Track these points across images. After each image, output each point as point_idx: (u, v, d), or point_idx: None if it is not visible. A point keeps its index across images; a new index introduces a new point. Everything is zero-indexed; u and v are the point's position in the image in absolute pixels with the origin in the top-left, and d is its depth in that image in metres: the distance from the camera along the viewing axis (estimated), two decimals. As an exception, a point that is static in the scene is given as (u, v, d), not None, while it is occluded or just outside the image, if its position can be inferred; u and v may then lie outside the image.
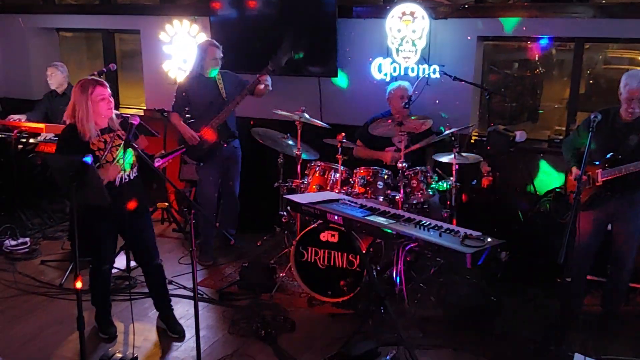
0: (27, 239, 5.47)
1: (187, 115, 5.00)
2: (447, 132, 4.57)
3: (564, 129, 5.27)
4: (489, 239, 3.01)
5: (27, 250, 5.35)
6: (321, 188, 4.71)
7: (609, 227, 4.01)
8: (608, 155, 3.77)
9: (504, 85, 5.90)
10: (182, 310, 4.34)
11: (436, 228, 3.21)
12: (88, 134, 3.56)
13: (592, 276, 4.37)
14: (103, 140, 3.64)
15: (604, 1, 5.06)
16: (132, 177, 3.75)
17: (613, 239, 3.98)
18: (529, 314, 4.23)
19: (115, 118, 3.76)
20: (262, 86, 4.95)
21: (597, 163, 3.84)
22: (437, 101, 5.33)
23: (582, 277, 4.08)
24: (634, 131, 3.70)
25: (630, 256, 3.94)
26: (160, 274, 4.04)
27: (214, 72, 4.94)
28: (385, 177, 4.59)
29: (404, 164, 4.41)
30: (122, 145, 3.62)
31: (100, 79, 3.69)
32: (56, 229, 5.88)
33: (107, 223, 3.73)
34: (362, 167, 4.66)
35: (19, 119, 5.71)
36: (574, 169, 3.95)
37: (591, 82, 5.92)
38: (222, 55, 4.95)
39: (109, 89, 3.66)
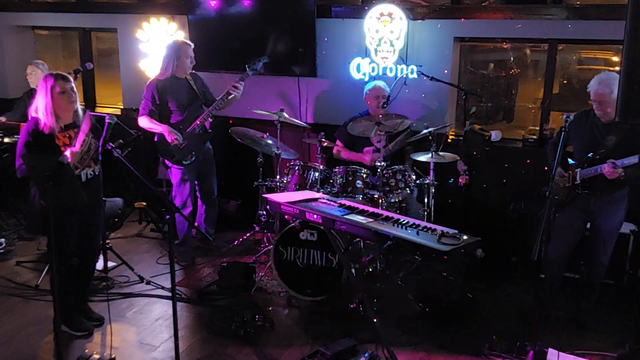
0: (2, 240, 5.39)
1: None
2: (425, 131, 4.63)
3: (537, 128, 5.36)
4: (465, 237, 3.06)
5: (2, 251, 5.27)
6: (300, 187, 4.74)
7: (588, 225, 4.10)
8: (588, 155, 3.85)
9: (480, 85, 5.98)
10: (161, 310, 4.32)
11: (414, 226, 3.24)
12: (50, 127, 3.58)
13: (567, 273, 4.47)
14: (68, 135, 3.67)
15: (577, 3, 5.16)
16: (96, 173, 3.80)
17: (591, 237, 4.07)
18: (504, 310, 4.30)
19: (80, 112, 3.78)
20: (231, 96, 4.89)
21: (576, 162, 3.93)
22: (415, 101, 5.39)
23: (559, 274, 4.16)
24: (612, 132, 3.78)
25: (606, 254, 4.04)
26: (93, 271, 4.15)
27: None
28: (364, 176, 4.63)
29: (382, 163, 4.45)
30: (87, 142, 3.68)
31: (63, 73, 3.70)
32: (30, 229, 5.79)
33: (72, 217, 3.75)
34: (341, 166, 4.70)
35: None
36: (560, 170, 4.05)
37: (565, 82, 6.02)
38: (193, 54, 4.92)
39: (72, 83, 3.68)
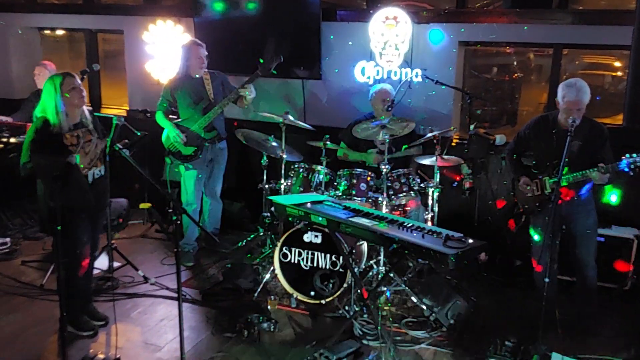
0: (8, 239, 5.41)
1: (172, 116, 5.03)
2: (430, 134, 4.64)
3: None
4: (470, 240, 3.07)
5: (7, 250, 5.29)
6: (305, 189, 4.75)
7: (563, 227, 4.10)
8: (553, 162, 3.85)
9: (483, 89, 6.00)
10: (165, 311, 4.34)
11: (419, 229, 3.26)
12: (60, 125, 3.59)
13: (566, 276, 4.47)
14: (76, 135, 3.68)
15: (581, 8, 5.17)
16: (103, 173, 3.83)
17: (570, 244, 4.06)
18: (507, 314, 4.30)
19: (87, 113, 3.80)
20: (244, 100, 4.96)
21: (539, 170, 3.97)
22: (419, 104, 5.40)
23: (553, 278, 4.15)
24: (575, 137, 3.71)
25: (589, 256, 4.03)
26: (92, 270, 4.16)
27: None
28: (368, 179, 4.64)
29: (387, 166, 4.46)
30: (94, 141, 3.73)
31: (68, 71, 3.73)
32: (37, 229, 5.81)
33: (83, 218, 3.77)
34: (346, 169, 4.71)
35: (5, 120, 5.68)
36: (523, 178, 4.07)
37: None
38: (206, 54, 4.98)
39: (78, 80, 3.71)
